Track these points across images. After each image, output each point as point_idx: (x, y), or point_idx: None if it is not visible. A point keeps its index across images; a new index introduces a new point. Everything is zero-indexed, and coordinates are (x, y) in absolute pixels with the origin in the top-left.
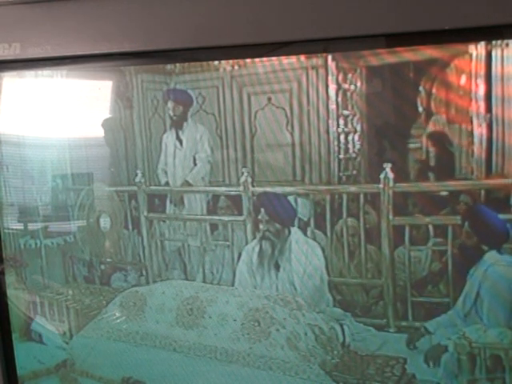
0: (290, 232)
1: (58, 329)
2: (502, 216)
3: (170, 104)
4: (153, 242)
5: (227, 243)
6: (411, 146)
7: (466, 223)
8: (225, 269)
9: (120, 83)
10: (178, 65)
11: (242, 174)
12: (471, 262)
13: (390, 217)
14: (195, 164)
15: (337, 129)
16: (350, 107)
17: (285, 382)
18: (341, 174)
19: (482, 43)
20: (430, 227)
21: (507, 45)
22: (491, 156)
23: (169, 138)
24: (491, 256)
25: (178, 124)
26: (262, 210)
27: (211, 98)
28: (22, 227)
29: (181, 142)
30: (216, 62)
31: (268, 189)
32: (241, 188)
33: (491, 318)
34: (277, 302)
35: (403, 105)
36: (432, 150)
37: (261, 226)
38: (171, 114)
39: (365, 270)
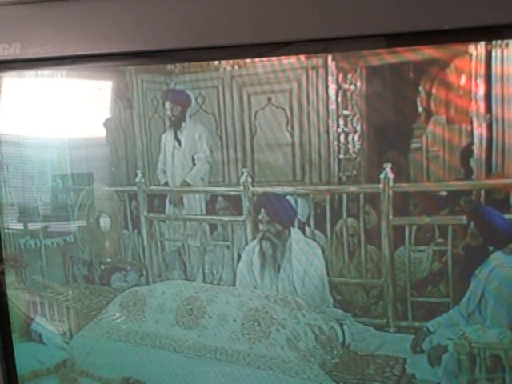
0: (290, 232)
1: (58, 329)
2: (507, 216)
3: (168, 104)
4: (153, 242)
5: (227, 243)
6: (411, 146)
7: (472, 223)
8: (225, 269)
9: (120, 83)
10: (178, 65)
11: (242, 174)
12: (476, 262)
13: (390, 217)
14: (194, 164)
15: (337, 129)
16: (350, 107)
17: (285, 382)
18: (341, 174)
19: (482, 43)
20: (431, 227)
21: (507, 45)
22: (491, 156)
23: (167, 138)
24: (496, 257)
25: (176, 124)
26: (263, 210)
27: (211, 98)
28: (22, 227)
29: (179, 142)
30: (216, 62)
31: (268, 189)
32: (241, 188)
33: (494, 319)
34: (277, 302)
35: (403, 105)
36: (432, 149)
37: (261, 227)
38: (169, 114)
39: (365, 270)
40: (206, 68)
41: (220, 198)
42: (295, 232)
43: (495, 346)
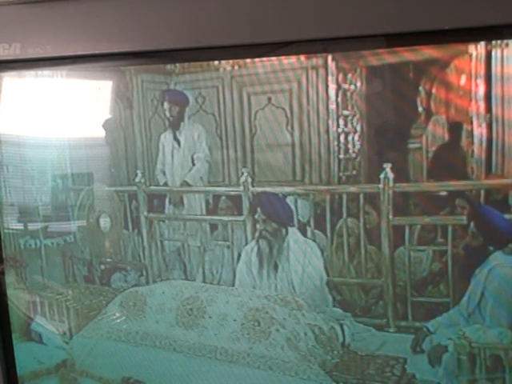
0: (287, 231)
1: (58, 329)
2: (507, 216)
3: (166, 105)
4: (153, 242)
5: (227, 243)
6: (411, 145)
7: (472, 223)
8: (225, 269)
9: (120, 83)
10: (177, 65)
11: (242, 174)
12: (476, 262)
13: (390, 217)
14: (193, 164)
15: (337, 129)
16: (350, 107)
17: (285, 381)
18: (341, 174)
19: (482, 43)
20: (431, 227)
21: (507, 45)
22: (491, 156)
23: (166, 138)
24: (496, 257)
25: (175, 124)
26: (259, 209)
27: (211, 98)
28: (22, 227)
29: (178, 143)
30: (216, 62)
31: (268, 189)
32: (241, 188)
33: (494, 319)
34: (277, 302)
35: (403, 105)
36: (432, 149)
37: (257, 226)
38: (167, 114)
39: (365, 270)
40: (206, 68)
41: (220, 198)
42: (293, 231)
43: (495, 345)
